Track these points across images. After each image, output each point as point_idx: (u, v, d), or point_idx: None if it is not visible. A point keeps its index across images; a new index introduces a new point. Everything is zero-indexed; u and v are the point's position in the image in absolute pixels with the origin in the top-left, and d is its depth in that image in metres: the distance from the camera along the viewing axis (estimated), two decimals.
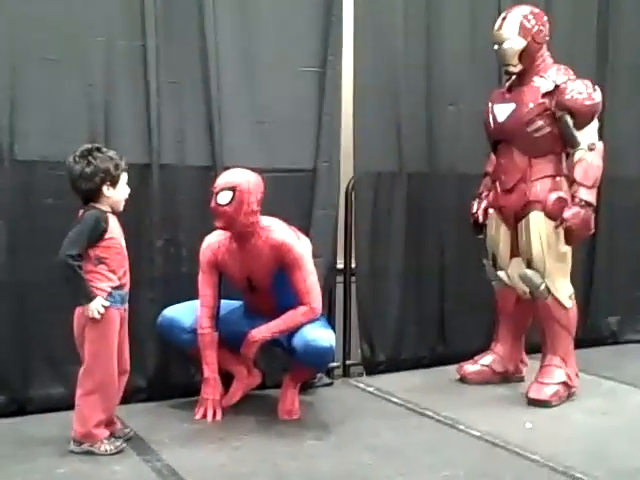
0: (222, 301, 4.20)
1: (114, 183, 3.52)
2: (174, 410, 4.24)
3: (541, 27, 4.48)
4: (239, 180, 3.96)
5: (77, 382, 3.54)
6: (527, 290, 4.58)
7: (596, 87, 4.47)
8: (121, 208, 3.60)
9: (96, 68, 4.19)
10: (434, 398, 4.52)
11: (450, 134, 5.26)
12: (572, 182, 4.42)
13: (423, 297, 5.24)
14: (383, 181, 5.07)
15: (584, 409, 4.40)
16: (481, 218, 4.77)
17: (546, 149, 4.50)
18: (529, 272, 4.50)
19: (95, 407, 3.51)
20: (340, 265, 5.01)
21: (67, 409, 3.66)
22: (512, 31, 4.44)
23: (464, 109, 5.22)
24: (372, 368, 5.05)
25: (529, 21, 4.45)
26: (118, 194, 3.55)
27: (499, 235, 4.69)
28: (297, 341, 3.98)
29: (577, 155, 4.42)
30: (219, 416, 4.09)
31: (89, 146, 3.54)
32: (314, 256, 4.22)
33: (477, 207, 4.81)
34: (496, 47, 4.51)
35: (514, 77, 4.59)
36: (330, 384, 4.81)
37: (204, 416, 4.07)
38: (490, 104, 4.65)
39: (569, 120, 4.39)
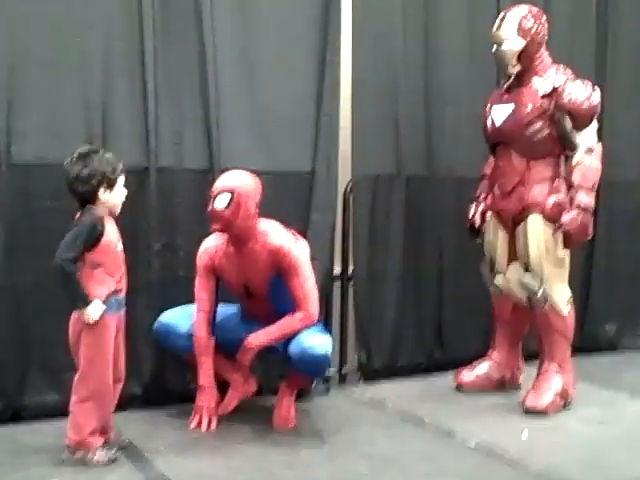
0: (219, 306, 4.16)
1: (111, 186, 3.48)
2: (170, 417, 4.20)
3: (540, 27, 4.46)
4: (237, 183, 3.92)
5: (72, 389, 3.50)
6: (524, 297, 4.55)
7: (595, 87, 4.45)
8: (118, 211, 3.57)
9: (94, 70, 4.16)
10: (430, 406, 4.50)
11: (449, 137, 5.24)
12: (570, 185, 4.40)
13: (421, 302, 5.22)
14: (381, 184, 5.05)
15: (581, 418, 4.38)
16: (478, 222, 4.74)
17: (545, 151, 4.47)
18: (527, 277, 4.48)
19: (90, 415, 3.47)
20: (337, 269, 4.98)
21: (62, 416, 3.61)
22: (511, 31, 4.41)
23: (463, 111, 5.19)
24: (369, 375, 5.03)
25: (528, 21, 4.43)
26: (115, 197, 3.52)
27: (497, 239, 4.66)
28: (293, 348, 3.95)
29: (575, 158, 4.41)
30: (214, 425, 4.05)
31: (86, 148, 3.52)
32: (311, 259, 4.17)
33: (474, 211, 4.79)
34: (495, 48, 4.48)
35: (512, 78, 4.54)
36: (326, 391, 4.78)
37: (199, 425, 4.03)
38: (489, 105, 4.62)
39: (568, 123, 4.37)
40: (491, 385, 4.79)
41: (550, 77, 4.44)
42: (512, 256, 4.61)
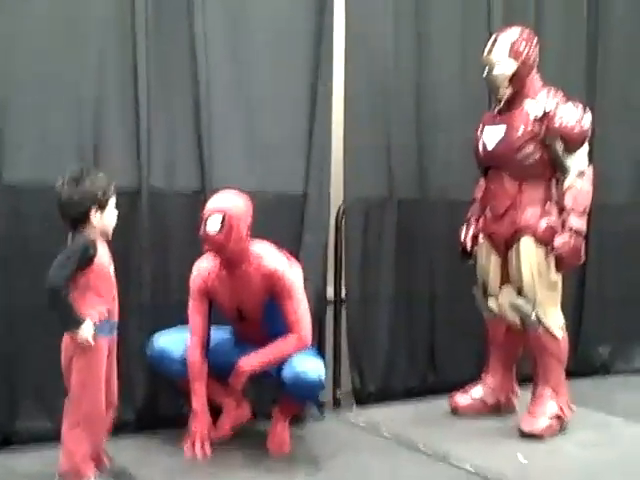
0: (211, 329, 4.11)
1: (102, 207, 3.44)
2: (163, 443, 4.14)
3: (532, 50, 4.47)
4: (228, 205, 3.89)
5: (63, 415, 3.44)
6: (517, 320, 4.53)
7: (587, 110, 4.46)
8: (110, 233, 3.53)
9: (85, 92, 4.14)
10: (425, 431, 4.46)
11: (440, 160, 5.24)
12: (562, 209, 4.40)
13: (414, 325, 5.19)
14: (373, 207, 5.04)
15: (576, 442, 4.35)
16: (469, 245, 4.73)
17: (536, 175, 4.47)
18: (519, 300, 4.46)
19: (81, 440, 3.40)
20: (330, 291, 4.95)
21: (53, 442, 3.55)
22: (503, 55, 4.42)
23: (454, 135, 5.18)
24: (363, 399, 4.98)
25: (520, 44, 4.44)
26: (106, 219, 3.47)
27: (489, 263, 4.64)
28: (286, 373, 3.91)
29: (567, 182, 4.41)
30: (208, 450, 3.99)
31: (78, 170, 3.47)
32: (303, 279, 4.14)
33: (465, 234, 4.77)
34: (486, 72, 4.49)
35: (504, 101, 4.54)
36: (320, 416, 4.73)
37: (193, 451, 3.97)
38: (481, 126, 4.63)
39: (559, 147, 4.38)
40: (486, 409, 4.76)
41: (541, 100, 4.44)
42: (505, 279, 4.59)
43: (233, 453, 4.02)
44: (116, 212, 3.53)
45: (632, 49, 5.99)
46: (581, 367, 5.57)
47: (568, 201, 4.37)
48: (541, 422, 4.38)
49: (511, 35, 4.47)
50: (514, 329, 4.63)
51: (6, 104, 3.96)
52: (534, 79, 4.51)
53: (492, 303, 4.66)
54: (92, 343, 3.34)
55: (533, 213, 4.45)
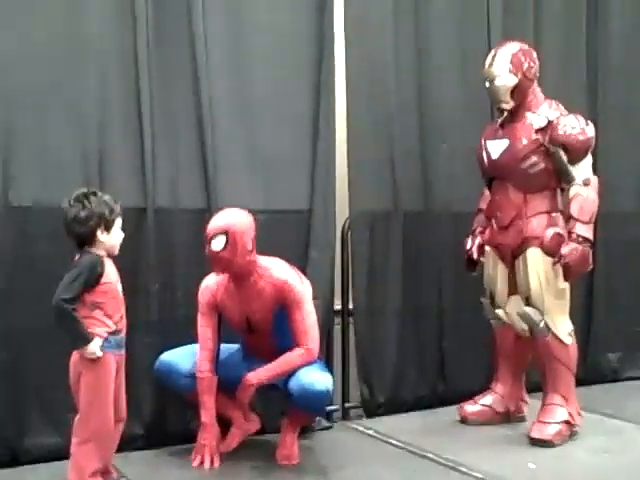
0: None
1: (108, 228, 3.49)
2: (172, 457, 4.16)
3: (532, 64, 4.50)
4: (230, 222, 3.93)
5: (73, 431, 3.46)
6: (526, 328, 4.53)
7: (589, 122, 4.48)
8: (116, 252, 3.56)
9: (90, 112, 4.18)
10: (435, 440, 4.46)
11: (444, 172, 5.26)
12: (568, 218, 4.41)
13: (422, 336, 5.20)
14: (379, 220, 5.06)
15: (587, 448, 4.34)
16: (475, 255, 4.74)
17: (541, 185, 4.49)
18: (528, 310, 4.46)
19: (91, 456, 3.43)
20: (337, 306, 4.97)
21: (63, 459, 3.58)
22: (503, 68, 4.45)
23: (457, 147, 5.21)
24: (372, 410, 4.99)
25: (519, 58, 4.47)
26: (112, 239, 3.52)
27: (497, 273, 4.65)
28: (293, 385, 3.92)
29: (572, 191, 4.42)
30: (217, 463, 4.01)
31: (84, 190, 3.52)
32: (313, 298, 4.17)
33: (471, 244, 4.78)
34: (488, 84, 4.52)
35: (506, 114, 4.58)
36: (329, 427, 4.73)
37: (201, 463, 4.00)
38: (483, 140, 4.65)
39: (563, 155, 4.39)
40: (496, 418, 4.75)
41: (543, 112, 4.48)
42: (512, 289, 4.60)
43: (242, 465, 4.03)
44: (122, 234, 3.57)
45: (632, 62, 6.01)
46: (591, 374, 5.57)
47: (574, 210, 4.37)
48: (551, 429, 4.37)
49: (511, 49, 4.51)
50: (523, 337, 4.63)
51: (11, 126, 4.02)
52: (536, 92, 4.54)
53: (500, 312, 4.67)
54: (100, 355, 3.38)
55: (539, 223, 4.46)
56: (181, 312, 4.36)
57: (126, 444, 3.86)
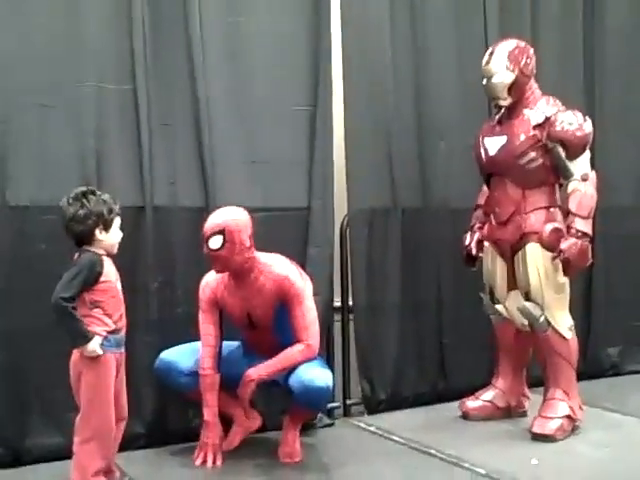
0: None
1: (107, 227, 3.48)
2: (174, 456, 4.15)
3: (528, 60, 4.50)
4: (226, 221, 3.92)
5: (74, 430, 3.45)
6: (526, 323, 4.53)
7: (586, 118, 4.48)
8: (115, 252, 3.56)
9: (87, 112, 4.18)
10: (437, 436, 4.45)
11: (442, 169, 5.26)
12: (567, 213, 4.41)
13: (422, 333, 5.20)
14: (377, 217, 5.06)
15: (589, 442, 4.34)
16: (474, 250, 4.74)
17: (539, 181, 4.49)
18: (528, 305, 4.46)
19: (93, 455, 3.42)
20: (337, 303, 4.97)
21: (65, 459, 3.57)
22: (500, 65, 4.45)
23: (455, 144, 5.22)
24: (373, 407, 4.99)
25: (516, 55, 4.46)
26: (111, 238, 3.51)
27: (496, 268, 4.66)
28: (294, 382, 3.92)
29: (570, 186, 4.42)
30: (219, 461, 4.01)
31: (83, 189, 3.51)
32: (313, 296, 4.17)
33: (470, 240, 4.78)
34: (485, 81, 4.52)
35: (504, 110, 4.58)
36: (331, 424, 4.73)
37: (204, 462, 4.00)
38: (480, 137, 4.65)
39: (561, 151, 4.39)
40: (497, 413, 4.76)
41: (541, 108, 4.48)
42: (512, 285, 4.60)
43: (244, 463, 4.03)
44: (121, 233, 3.57)
45: (629, 60, 6.02)
46: (591, 369, 5.58)
47: (572, 205, 4.37)
48: (552, 423, 4.37)
49: (508, 46, 4.51)
50: (523, 332, 4.63)
51: (8, 125, 4.01)
52: (533, 89, 4.55)
53: (500, 308, 4.68)
54: (100, 353, 3.37)
55: (538, 218, 4.46)
56: (181, 310, 4.37)
57: (128, 443, 3.85)
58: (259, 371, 3.96)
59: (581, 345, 4.73)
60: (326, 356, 4.52)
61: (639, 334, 6.01)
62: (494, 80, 4.46)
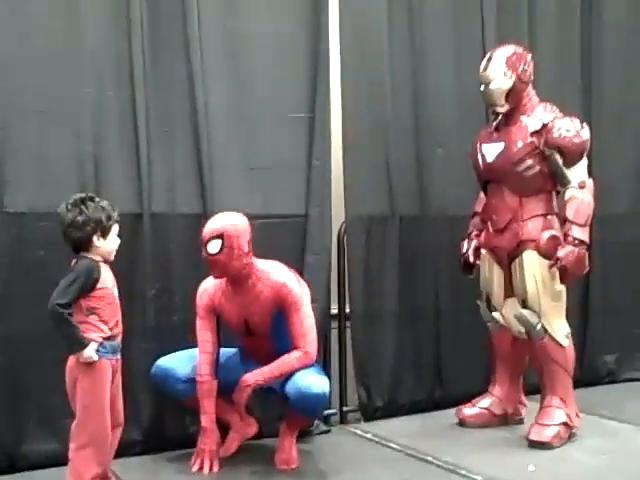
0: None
1: (105, 234, 3.48)
2: (170, 463, 4.15)
3: (526, 66, 4.51)
4: (225, 226, 3.93)
5: (70, 436, 3.45)
6: (523, 331, 4.53)
7: (584, 125, 4.48)
8: (112, 258, 3.56)
9: (85, 119, 4.19)
10: (434, 443, 4.45)
11: (440, 176, 5.26)
12: (564, 221, 4.41)
13: (419, 340, 5.19)
14: (375, 224, 5.06)
15: (586, 450, 4.34)
16: (472, 258, 4.74)
17: (537, 188, 4.49)
18: (525, 312, 4.46)
19: (89, 461, 3.41)
20: (334, 310, 4.97)
21: (60, 465, 3.57)
22: (498, 71, 4.46)
23: (453, 151, 5.22)
24: (369, 414, 4.98)
25: (514, 61, 4.48)
26: (108, 245, 3.51)
27: (493, 276, 4.66)
28: (290, 389, 3.92)
29: (568, 193, 4.43)
30: (216, 468, 4.01)
31: (82, 195, 3.52)
32: (311, 302, 4.17)
33: (467, 247, 4.78)
34: (483, 88, 4.52)
35: (501, 117, 4.59)
36: (328, 431, 4.73)
37: (201, 468, 4.00)
38: (478, 144, 4.65)
39: (558, 158, 4.40)
40: (494, 420, 4.75)
41: (538, 115, 4.48)
42: (508, 292, 4.60)
43: (241, 469, 4.02)
44: (118, 240, 3.56)
45: (627, 63, 6.03)
46: (588, 376, 5.58)
47: (570, 213, 4.38)
48: (549, 431, 4.37)
49: (505, 52, 4.52)
50: (519, 340, 4.63)
51: (7, 132, 4.02)
52: (531, 95, 4.55)
53: (497, 315, 4.68)
54: (96, 359, 3.37)
55: (535, 226, 4.46)
56: (178, 317, 4.37)
57: (124, 450, 3.85)
58: (255, 377, 3.96)
59: (578, 352, 4.75)
60: (323, 363, 4.51)
61: (636, 341, 6.01)
62: (492, 86, 4.47)
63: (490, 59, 4.52)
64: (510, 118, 4.54)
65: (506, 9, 5.52)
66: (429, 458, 4.22)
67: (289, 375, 3.95)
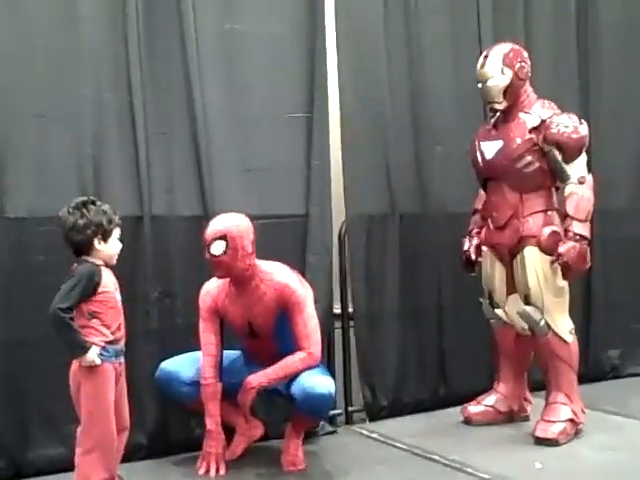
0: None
1: (106, 237, 3.46)
2: (176, 467, 4.14)
3: (523, 64, 4.51)
4: (228, 227, 3.92)
5: (76, 441, 3.43)
6: (526, 327, 4.53)
7: (582, 121, 4.48)
8: (114, 262, 3.54)
9: (84, 122, 4.18)
10: (439, 441, 4.44)
11: (439, 174, 5.26)
12: (564, 216, 4.41)
13: (422, 338, 5.18)
14: (375, 223, 5.05)
15: (592, 446, 4.33)
16: (473, 255, 4.74)
17: (536, 184, 4.49)
18: (528, 308, 4.45)
19: (96, 466, 3.39)
20: (337, 310, 4.96)
21: (67, 471, 3.55)
22: (495, 69, 4.46)
23: (452, 148, 5.21)
24: (375, 413, 4.96)
25: (511, 58, 4.48)
26: (109, 248, 3.49)
27: (495, 272, 4.65)
28: (295, 389, 3.91)
29: (567, 189, 4.42)
30: (223, 471, 3.99)
31: (84, 199, 3.51)
32: (314, 302, 4.17)
33: (468, 245, 4.78)
34: (480, 85, 4.52)
35: (499, 114, 4.58)
36: (333, 432, 4.72)
37: (207, 471, 3.98)
38: (477, 141, 4.64)
39: (557, 154, 4.39)
40: (499, 418, 4.75)
41: (536, 111, 4.48)
42: (511, 289, 4.60)
43: (247, 472, 4.01)
44: (120, 244, 3.55)
45: (624, 60, 6.03)
46: (592, 372, 5.58)
47: (570, 208, 4.37)
48: (555, 427, 4.36)
49: (502, 49, 4.52)
50: (523, 336, 4.62)
51: (7, 137, 4.01)
52: (528, 92, 4.55)
53: (499, 312, 4.67)
54: (98, 363, 3.35)
55: (535, 222, 4.46)
56: (181, 320, 4.35)
57: (130, 454, 3.82)
58: (259, 378, 3.95)
59: (581, 348, 4.72)
60: (327, 363, 4.51)
61: (639, 336, 6.01)
62: (489, 84, 4.46)
63: (487, 56, 4.51)
64: (508, 115, 4.53)
65: (502, 8, 5.52)
66: (435, 457, 4.21)
67: (294, 376, 3.94)
